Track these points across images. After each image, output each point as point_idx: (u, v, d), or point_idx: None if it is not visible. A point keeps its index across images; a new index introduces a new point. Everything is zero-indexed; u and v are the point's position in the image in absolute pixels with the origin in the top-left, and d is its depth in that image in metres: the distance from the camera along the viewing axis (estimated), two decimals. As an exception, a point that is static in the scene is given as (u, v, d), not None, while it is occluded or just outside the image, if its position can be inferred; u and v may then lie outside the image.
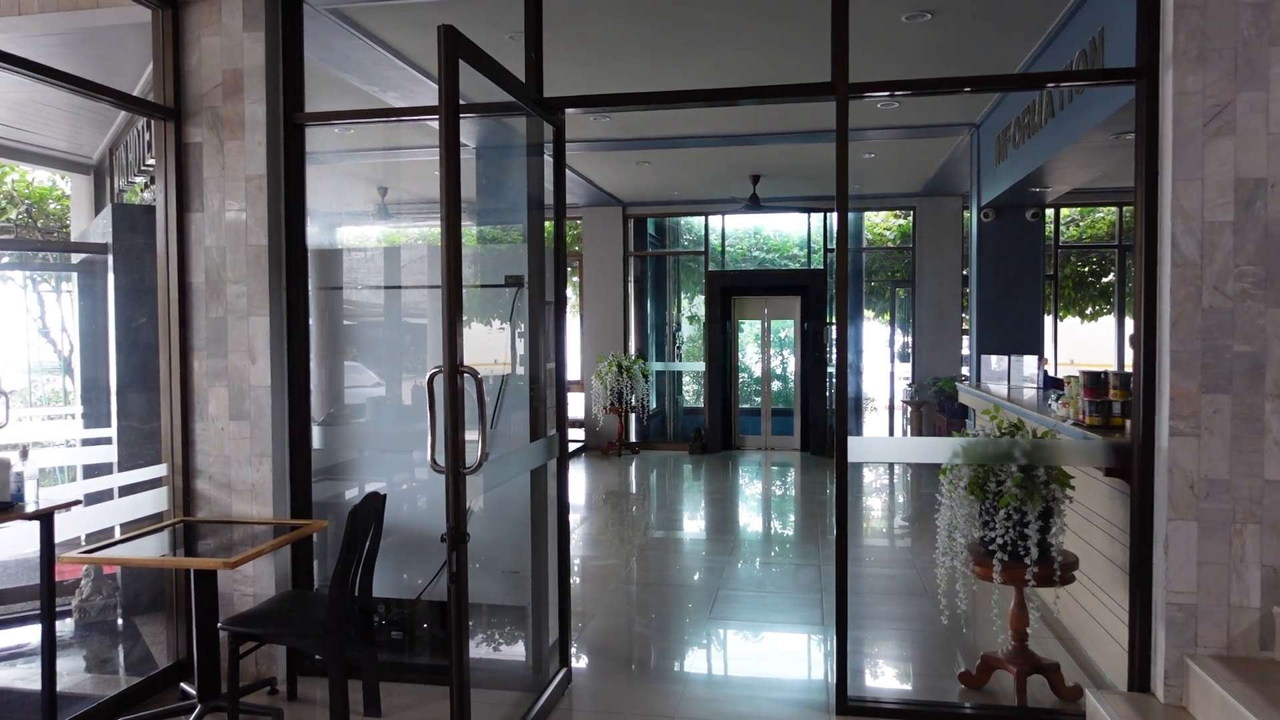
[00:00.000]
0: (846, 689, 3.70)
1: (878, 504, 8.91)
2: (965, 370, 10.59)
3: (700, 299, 12.53)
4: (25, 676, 4.24)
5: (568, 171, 4.10)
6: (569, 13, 4.91)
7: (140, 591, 4.86)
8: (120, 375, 4.72)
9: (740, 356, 12.30)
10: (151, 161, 4.56)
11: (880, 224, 14.11)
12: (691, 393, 13.25)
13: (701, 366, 12.08)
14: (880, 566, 6.31)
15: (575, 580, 5.80)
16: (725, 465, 10.69)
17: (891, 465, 10.28)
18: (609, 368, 11.12)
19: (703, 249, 12.10)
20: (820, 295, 11.42)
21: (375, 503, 3.59)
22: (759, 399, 12.14)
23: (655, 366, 12.46)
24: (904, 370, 11.99)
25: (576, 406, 11.54)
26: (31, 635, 4.77)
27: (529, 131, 4.04)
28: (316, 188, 4.18)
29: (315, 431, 4.21)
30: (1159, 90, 3.37)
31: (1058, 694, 3.74)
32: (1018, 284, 8.20)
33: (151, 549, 3.63)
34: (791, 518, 8.10)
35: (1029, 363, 6.89)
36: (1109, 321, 12.67)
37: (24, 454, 3.25)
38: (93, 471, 4.89)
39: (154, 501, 4.05)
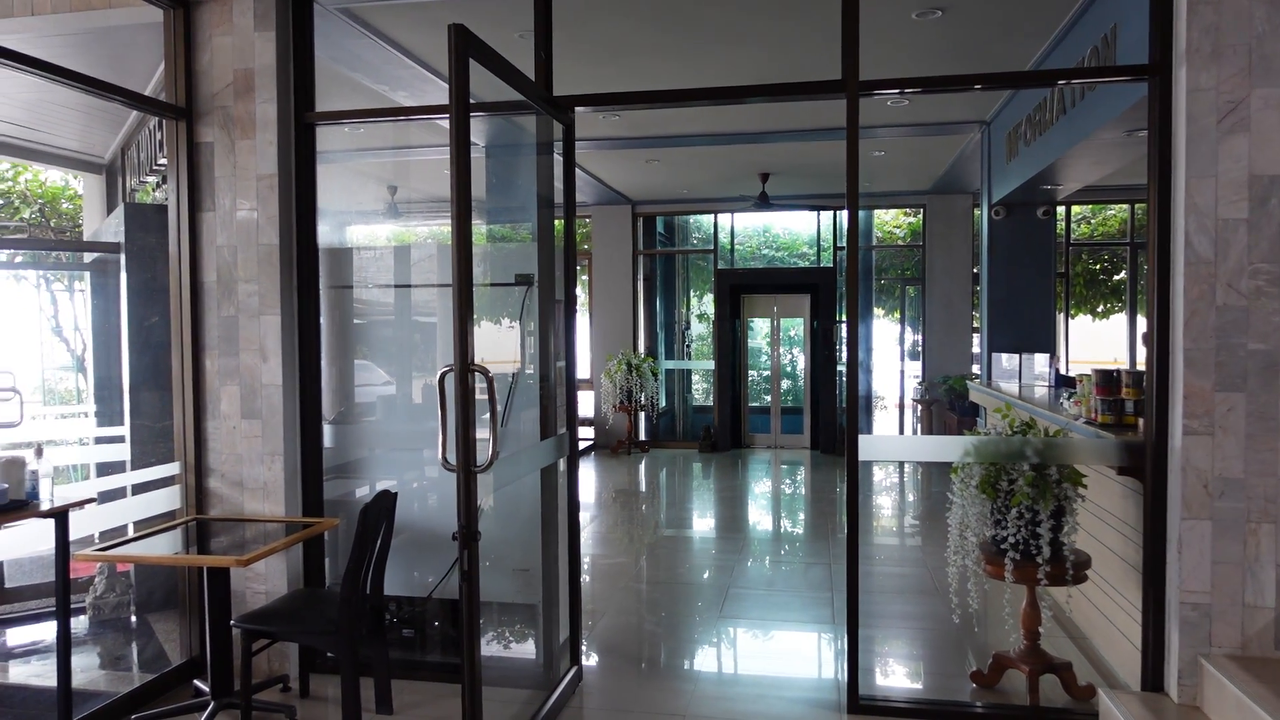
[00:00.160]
0: (858, 688, 3.70)
1: (888, 502, 8.89)
2: (976, 368, 10.56)
3: (709, 297, 12.52)
4: (40, 673, 4.28)
5: (577, 170, 4.09)
6: (578, 11, 4.91)
7: (153, 589, 4.89)
8: (133, 374, 4.75)
9: (749, 355, 12.29)
10: (163, 161, 4.58)
11: (890, 222, 14.07)
12: (701, 391, 13.25)
13: (711, 365, 12.08)
14: (891, 565, 6.30)
15: (585, 578, 5.81)
16: (735, 464, 10.68)
17: (901, 464, 10.25)
18: (618, 366, 11.12)
19: (712, 247, 12.09)
20: (830, 293, 11.40)
21: (386, 501, 3.60)
22: (768, 397, 12.12)
23: (665, 365, 12.47)
24: (914, 368, 11.96)
25: (586, 405, 11.55)
26: (47, 632, 4.81)
27: (538, 130, 4.04)
28: (327, 187, 4.19)
29: (326, 430, 4.22)
30: (1172, 87, 3.35)
31: (1070, 693, 3.73)
32: (1029, 282, 8.17)
33: (164, 547, 3.65)
34: (801, 516, 8.09)
35: (1040, 361, 6.86)
36: (1120, 319, 12.61)
37: (39, 452, 3.27)
38: (106, 470, 4.92)
39: (167, 499, 4.07)
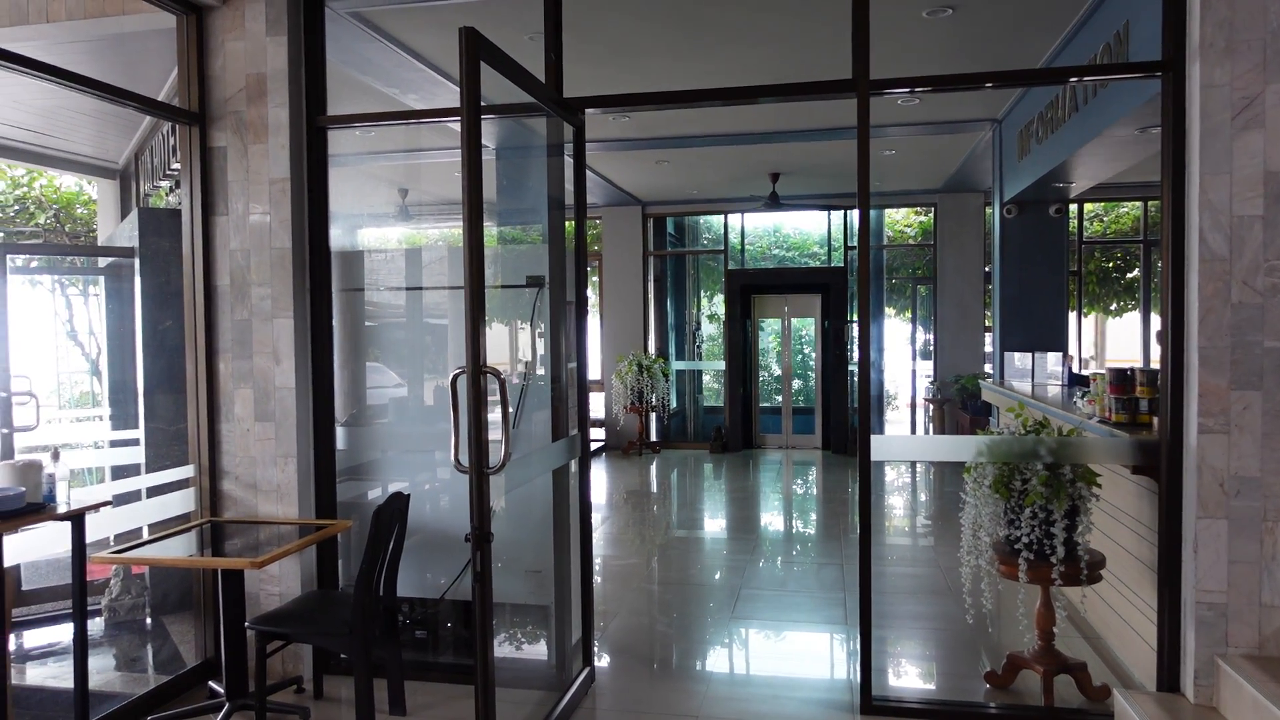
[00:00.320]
0: (870, 688, 3.68)
1: (900, 502, 8.86)
2: (988, 367, 10.51)
3: (720, 298, 12.51)
4: (57, 675, 4.31)
5: (587, 171, 4.10)
6: (588, 13, 4.91)
7: (168, 591, 4.92)
8: (147, 377, 4.77)
9: (760, 355, 12.27)
10: (176, 166, 4.60)
11: (901, 221, 14.02)
12: (712, 392, 13.23)
13: (722, 365, 12.07)
14: (904, 565, 6.28)
15: (597, 579, 5.81)
16: (746, 464, 10.67)
17: (914, 463, 10.21)
18: (629, 367, 11.12)
19: (722, 247, 12.08)
20: (841, 293, 11.36)
21: (399, 503, 3.61)
22: (780, 398, 12.10)
23: (676, 366, 12.46)
24: (926, 368, 11.90)
25: (597, 406, 11.56)
26: (63, 634, 4.84)
27: (549, 132, 4.05)
28: (339, 190, 4.21)
29: (339, 432, 4.24)
30: (1186, 83, 3.32)
31: (1085, 694, 3.71)
32: (1041, 280, 8.12)
33: (179, 549, 3.67)
34: (813, 516, 8.07)
35: (1053, 359, 6.82)
36: (1134, 317, 12.54)
37: (55, 456, 3.29)
38: (121, 473, 4.95)
39: (181, 502, 4.09)
